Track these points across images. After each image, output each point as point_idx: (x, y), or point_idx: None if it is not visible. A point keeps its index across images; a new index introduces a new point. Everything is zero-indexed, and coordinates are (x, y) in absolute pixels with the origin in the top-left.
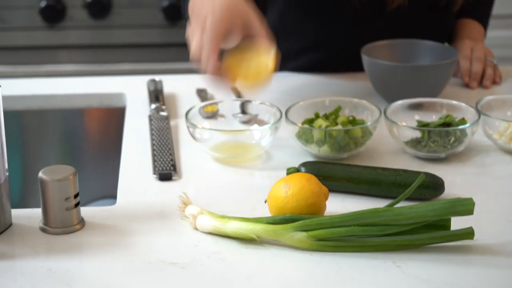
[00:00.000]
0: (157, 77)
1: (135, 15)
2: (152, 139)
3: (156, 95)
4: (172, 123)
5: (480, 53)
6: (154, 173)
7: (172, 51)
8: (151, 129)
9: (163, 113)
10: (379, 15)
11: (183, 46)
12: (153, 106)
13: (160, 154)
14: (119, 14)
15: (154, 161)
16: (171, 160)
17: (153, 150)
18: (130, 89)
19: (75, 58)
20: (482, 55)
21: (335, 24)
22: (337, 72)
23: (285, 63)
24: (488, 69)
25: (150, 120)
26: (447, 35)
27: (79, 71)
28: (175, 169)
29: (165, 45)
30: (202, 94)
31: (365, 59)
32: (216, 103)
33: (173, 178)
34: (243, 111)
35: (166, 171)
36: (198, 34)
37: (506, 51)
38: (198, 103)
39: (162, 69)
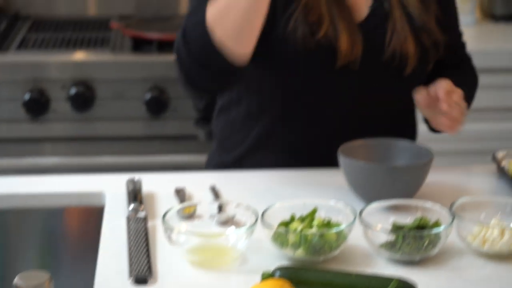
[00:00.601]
0: (136, 176)
1: (118, 107)
2: (130, 241)
3: (135, 195)
4: (150, 223)
5: (459, 98)
6: (130, 276)
7: (155, 144)
8: (129, 231)
9: (141, 215)
10: (332, 71)
11: (166, 138)
12: (131, 206)
13: (137, 256)
14: (102, 106)
15: (130, 264)
16: (147, 263)
17: (130, 252)
18: (109, 188)
19: (58, 151)
20: (461, 101)
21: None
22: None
23: (249, 122)
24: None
25: (128, 221)
26: (413, 106)
27: (61, 164)
28: (150, 273)
29: (148, 138)
30: (180, 194)
31: (342, 159)
32: (194, 205)
33: (148, 282)
34: (221, 212)
35: (142, 275)
36: None
37: (485, 143)
38: (176, 204)
39: (145, 162)
